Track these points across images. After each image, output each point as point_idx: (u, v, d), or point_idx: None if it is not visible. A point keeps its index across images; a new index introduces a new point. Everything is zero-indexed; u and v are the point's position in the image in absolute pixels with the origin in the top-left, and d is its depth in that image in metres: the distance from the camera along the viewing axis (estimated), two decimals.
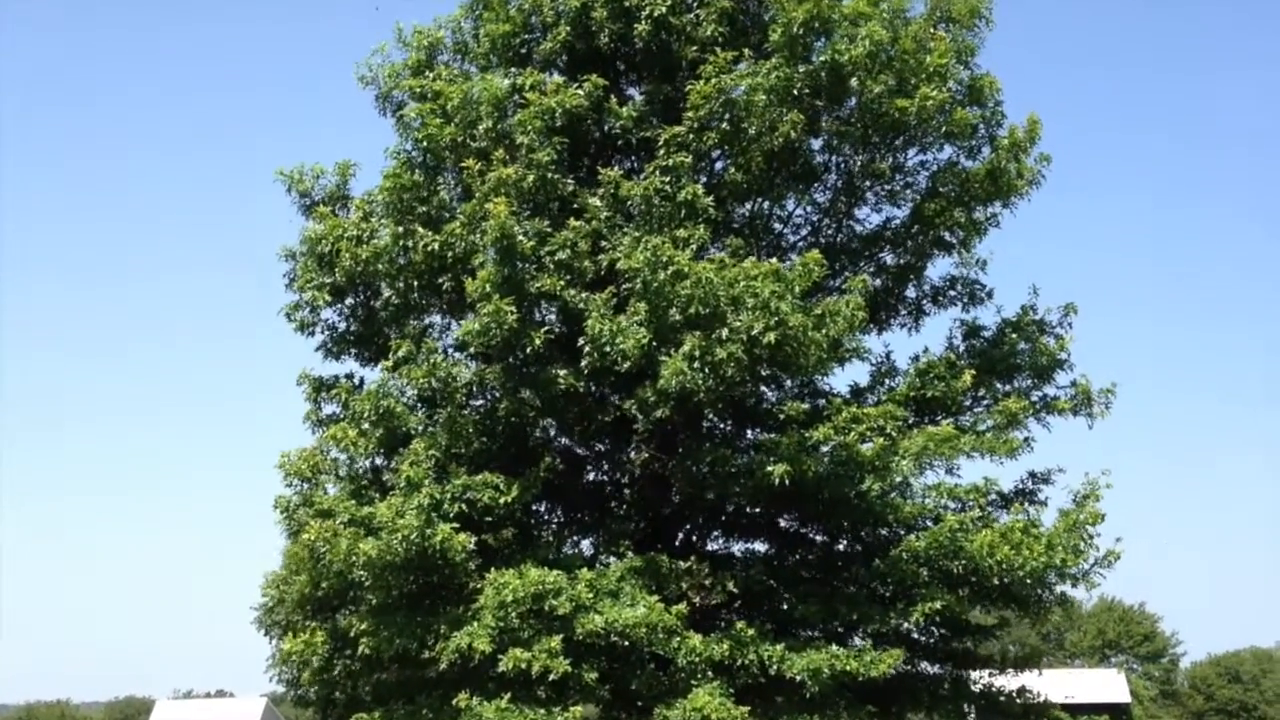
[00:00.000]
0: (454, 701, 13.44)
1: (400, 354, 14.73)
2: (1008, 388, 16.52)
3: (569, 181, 15.18)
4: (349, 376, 16.53)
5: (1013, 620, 16.80)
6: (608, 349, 13.77)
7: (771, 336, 13.07)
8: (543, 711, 13.24)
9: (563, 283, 14.32)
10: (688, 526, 16.71)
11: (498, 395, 15.03)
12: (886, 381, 16.56)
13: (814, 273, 13.76)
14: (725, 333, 13.22)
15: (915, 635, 15.99)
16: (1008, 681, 16.68)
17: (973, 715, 16.24)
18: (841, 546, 16.28)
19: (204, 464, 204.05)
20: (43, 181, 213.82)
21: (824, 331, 13.59)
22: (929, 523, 15.07)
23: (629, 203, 14.81)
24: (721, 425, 16.14)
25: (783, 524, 16.84)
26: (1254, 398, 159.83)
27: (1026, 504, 15.90)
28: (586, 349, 13.94)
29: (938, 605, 13.91)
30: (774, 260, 13.66)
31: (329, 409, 16.44)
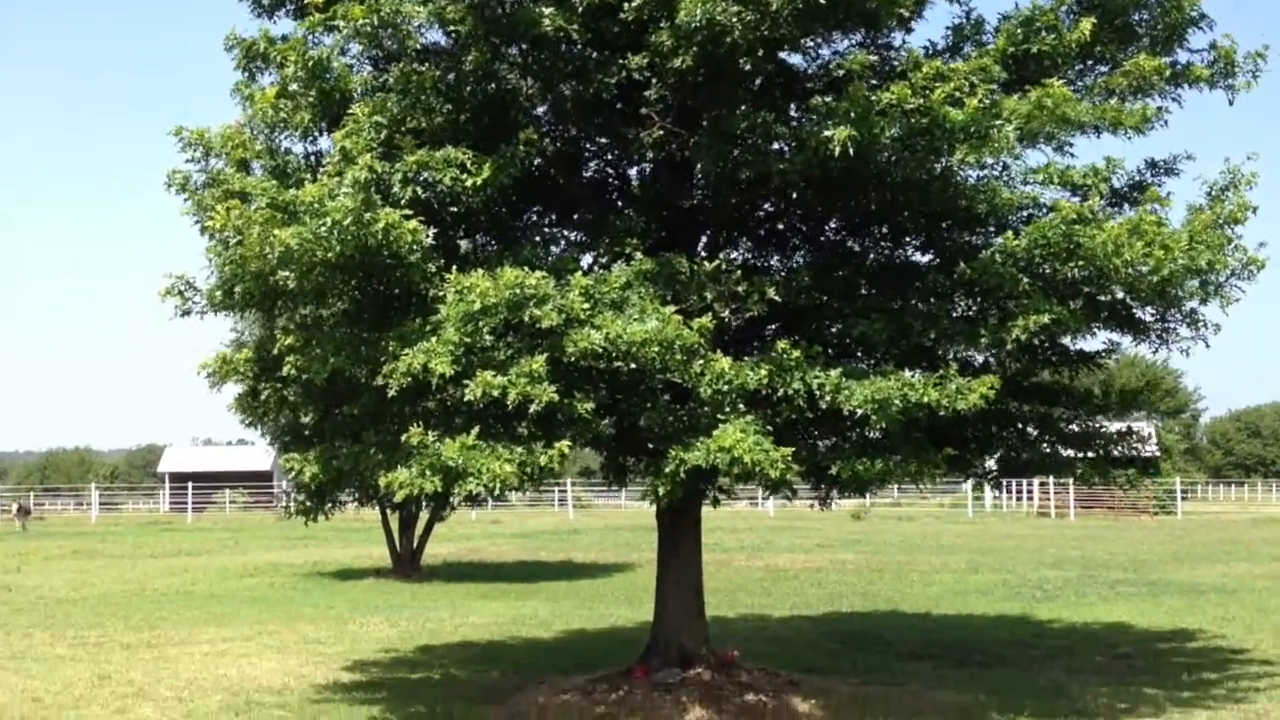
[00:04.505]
0: (403, 438, 10.24)
1: None
2: (1123, 55, 12.73)
3: None
4: (284, 39, 12.74)
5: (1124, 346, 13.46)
6: None
7: None
8: (520, 449, 10.05)
9: None
10: (710, 231, 13.25)
11: (465, 45, 11.36)
12: (967, 46, 12.74)
13: None
14: None
15: (992, 366, 12.73)
16: (1109, 424, 13.54)
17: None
18: (907, 254, 12.88)
19: None
20: None
21: None
22: (1025, 221, 11.65)
23: None
24: (761, 95, 12.40)
25: (831, 233, 13.41)
26: None
27: (1151, 199, 12.29)
28: None
29: (1045, 320, 10.51)
30: None
31: (267, 80, 12.76)
